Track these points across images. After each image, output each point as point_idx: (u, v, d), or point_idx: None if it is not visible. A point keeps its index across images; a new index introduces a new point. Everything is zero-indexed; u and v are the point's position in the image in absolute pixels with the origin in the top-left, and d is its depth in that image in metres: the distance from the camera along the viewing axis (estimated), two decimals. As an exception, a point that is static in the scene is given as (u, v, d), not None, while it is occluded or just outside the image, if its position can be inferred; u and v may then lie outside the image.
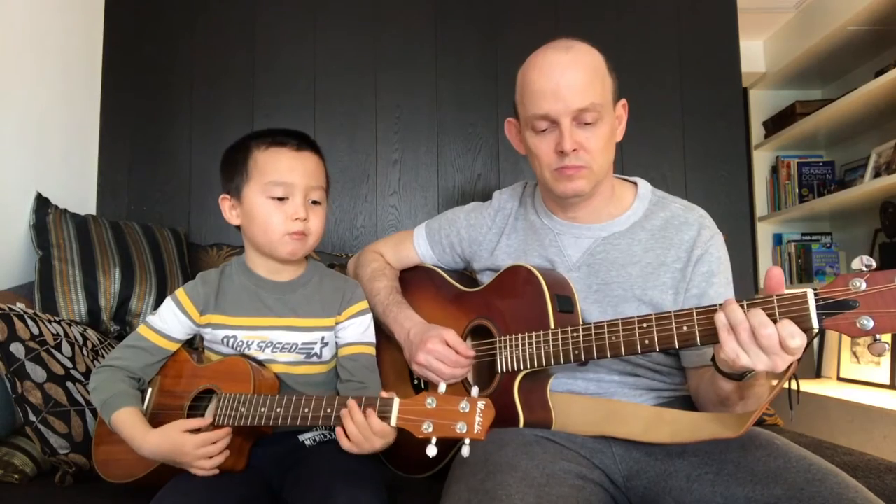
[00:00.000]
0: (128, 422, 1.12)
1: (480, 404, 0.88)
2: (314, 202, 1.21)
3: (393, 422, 0.95)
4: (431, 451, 0.89)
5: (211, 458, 1.06)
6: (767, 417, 1.74)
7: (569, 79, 1.11)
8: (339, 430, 1.01)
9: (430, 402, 0.91)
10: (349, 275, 1.48)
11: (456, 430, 0.88)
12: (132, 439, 1.10)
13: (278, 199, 1.18)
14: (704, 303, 1.11)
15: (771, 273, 0.91)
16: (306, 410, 1.04)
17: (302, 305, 1.24)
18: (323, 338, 1.24)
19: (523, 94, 1.18)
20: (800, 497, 0.86)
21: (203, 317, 1.22)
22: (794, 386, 0.92)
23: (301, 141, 1.22)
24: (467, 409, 0.88)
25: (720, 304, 0.91)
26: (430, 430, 0.90)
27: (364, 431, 0.98)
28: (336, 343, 1.26)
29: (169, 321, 1.22)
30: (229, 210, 1.24)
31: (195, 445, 1.05)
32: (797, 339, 0.84)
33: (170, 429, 1.08)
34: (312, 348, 1.22)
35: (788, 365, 0.88)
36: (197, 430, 1.08)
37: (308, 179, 1.19)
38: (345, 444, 1.00)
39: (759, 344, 0.86)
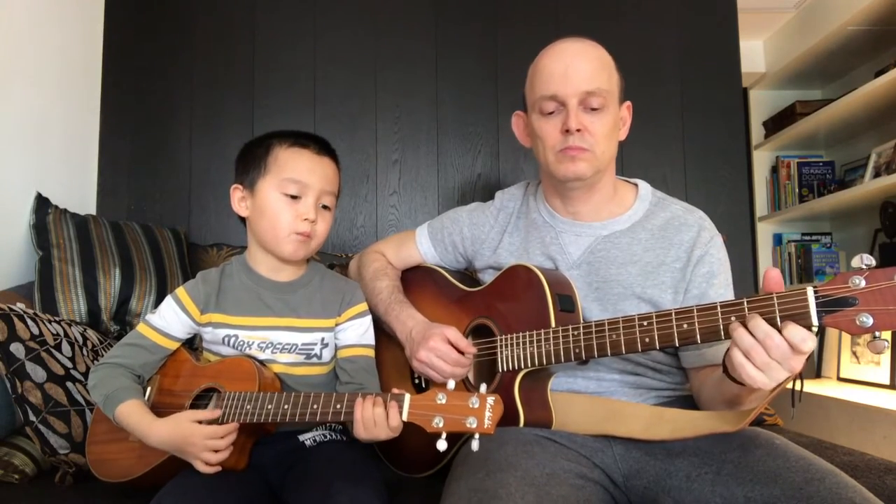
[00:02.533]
0: (134, 413, 1.12)
1: (490, 400, 0.90)
2: (324, 206, 1.23)
3: (404, 416, 0.96)
4: (442, 445, 0.91)
5: (217, 452, 1.06)
6: (767, 417, 1.74)
7: (578, 63, 1.16)
8: (356, 413, 1.01)
9: (441, 397, 0.93)
10: (351, 275, 1.48)
11: (466, 425, 0.90)
12: (140, 430, 1.10)
13: (291, 197, 1.19)
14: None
15: (769, 275, 0.91)
16: (315, 407, 1.04)
17: (302, 306, 1.24)
18: (323, 339, 1.24)
19: (533, 78, 1.22)
20: (799, 497, 0.86)
21: (203, 315, 1.22)
22: (797, 385, 0.92)
23: (322, 146, 1.25)
24: (477, 405, 0.90)
25: (721, 304, 0.91)
26: (441, 424, 0.91)
27: (379, 419, 0.99)
28: (335, 344, 1.27)
29: (169, 319, 1.22)
30: (239, 201, 1.24)
31: (204, 436, 1.05)
32: (809, 342, 0.84)
33: (180, 418, 1.08)
34: (312, 349, 1.23)
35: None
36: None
37: (323, 183, 1.21)
38: (357, 422, 1.01)
39: (772, 356, 0.86)
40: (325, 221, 1.23)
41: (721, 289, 1.19)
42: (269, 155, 1.21)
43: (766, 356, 0.86)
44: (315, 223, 1.20)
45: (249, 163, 1.23)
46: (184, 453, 1.07)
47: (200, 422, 1.08)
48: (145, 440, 1.10)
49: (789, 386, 0.92)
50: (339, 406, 1.03)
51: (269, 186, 1.19)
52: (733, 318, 0.90)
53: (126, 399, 1.13)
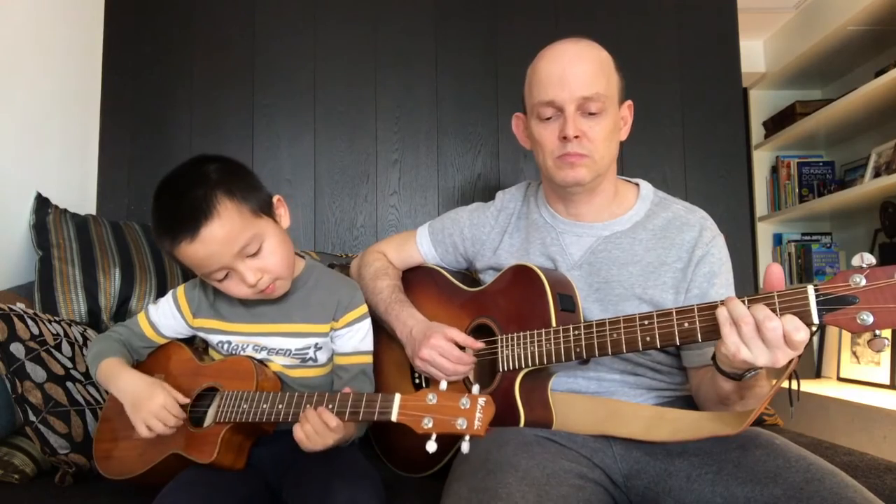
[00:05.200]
0: (114, 365, 1.16)
1: (481, 401, 0.89)
2: (252, 255, 1.10)
3: (394, 417, 0.95)
4: (431, 446, 0.89)
5: (163, 423, 1.08)
6: (767, 417, 1.73)
7: (576, 67, 1.14)
8: (296, 433, 1.03)
9: (431, 398, 0.92)
10: (352, 274, 1.47)
11: (456, 426, 0.88)
12: (112, 375, 1.15)
13: (222, 279, 1.12)
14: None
15: (771, 269, 0.91)
16: (308, 407, 1.04)
17: (296, 310, 1.22)
18: (317, 343, 1.23)
19: (531, 82, 1.21)
20: (799, 497, 0.86)
21: (196, 320, 1.23)
22: (794, 385, 0.92)
23: (190, 223, 1.05)
24: (468, 406, 0.89)
25: (722, 301, 0.91)
26: (431, 425, 0.90)
27: (317, 427, 1.01)
28: (332, 348, 1.25)
29: (164, 315, 1.25)
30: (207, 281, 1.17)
31: (164, 400, 1.09)
32: (802, 333, 0.84)
33: (156, 380, 1.13)
34: (307, 353, 1.22)
35: (789, 361, 0.88)
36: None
37: (229, 249, 1.07)
38: (304, 444, 1.03)
39: (763, 337, 0.86)
40: (270, 256, 1.11)
41: (722, 289, 1.18)
42: (177, 259, 1.11)
43: (755, 330, 0.86)
44: (262, 272, 1.11)
45: (174, 261, 1.16)
46: (137, 409, 1.09)
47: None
48: (112, 384, 1.14)
49: (785, 385, 0.92)
50: (331, 406, 1.02)
51: (203, 277, 1.15)
52: None
53: (110, 356, 1.17)
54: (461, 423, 0.88)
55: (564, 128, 1.14)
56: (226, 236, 1.06)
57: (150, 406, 1.08)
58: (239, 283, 1.11)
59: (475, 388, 0.92)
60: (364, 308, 1.27)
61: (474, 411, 0.88)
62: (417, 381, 1.33)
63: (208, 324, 1.22)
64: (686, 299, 1.18)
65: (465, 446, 0.88)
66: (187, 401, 1.12)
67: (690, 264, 1.19)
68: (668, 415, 1.09)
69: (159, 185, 1.13)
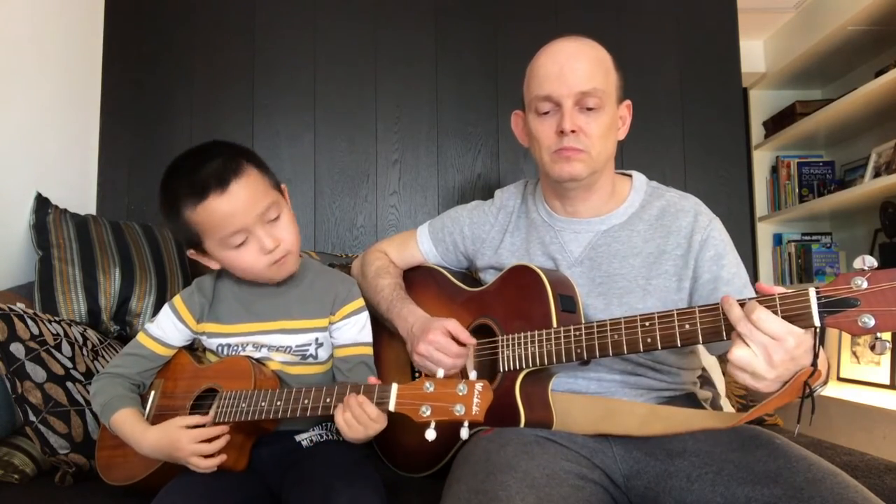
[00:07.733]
0: (127, 421, 1.13)
1: (478, 386, 0.89)
2: (273, 220, 1.14)
3: (391, 407, 0.95)
4: (430, 434, 0.90)
5: (207, 456, 1.06)
6: (767, 417, 1.74)
7: (574, 63, 1.15)
8: (337, 419, 1.02)
9: (428, 386, 0.92)
10: (354, 274, 1.47)
11: (454, 413, 0.88)
12: (132, 437, 1.11)
13: (240, 245, 1.13)
14: (719, 286, 1.14)
15: (760, 288, 0.91)
16: (306, 402, 1.04)
17: (294, 307, 1.23)
18: (317, 339, 1.23)
19: (530, 78, 1.22)
20: (800, 497, 0.86)
21: (199, 325, 1.23)
22: (806, 389, 0.92)
23: (220, 179, 1.09)
24: (465, 392, 0.89)
25: (721, 305, 0.91)
26: (429, 413, 0.90)
27: (359, 416, 0.99)
28: (332, 343, 1.26)
29: (167, 329, 1.23)
30: (205, 261, 1.19)
31: (191, 440, 1.05)
32: (790, 339, 0.85)
33: (169, 424, 1.09)
34: (307, 349, 1.22)
35: (807, 377, 0.87)
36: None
37: (253, 209, 1.11)
38: (344, 430, 1.02)
39: (761, 329, 0.86)
40: (285, 226, 1.16)
41: (733, 268, 1.18)
42: (189, 226, 1.12)
43: (760, 335, 0.86)
44: (278, 241, 1.13)
45: (178, 233, 1.17)
46: (175, 459, 1.07)
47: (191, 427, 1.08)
48: (138, 448, 1.11)
49: (799, 399, 0.91)
50: (328, 400, 1.02)
51: (216, 247, 1.14)
52: None
53: (120, 408, 1.14)
54: (459, 409, 0.88)
55: (561, 122, 1.15)
56: (250, 196, 1.11)
57: (180, 456, 1.06)
58: (255, 249, 1.13)
59: (472, 374, 0.91)
60: (361, 301, 1.28)
61: (472, 397, 0.88)
62: (417, 377, 1.32)
63: (209, 328, 1.23)
64: (696, 287, 1.17)
65: (464, 432, 0.88)
66: (207, 420, 1.10)
67: (691, 250, 1.19)
68: (661, 412, 1.10)
69: (175, 161, 1.15)
